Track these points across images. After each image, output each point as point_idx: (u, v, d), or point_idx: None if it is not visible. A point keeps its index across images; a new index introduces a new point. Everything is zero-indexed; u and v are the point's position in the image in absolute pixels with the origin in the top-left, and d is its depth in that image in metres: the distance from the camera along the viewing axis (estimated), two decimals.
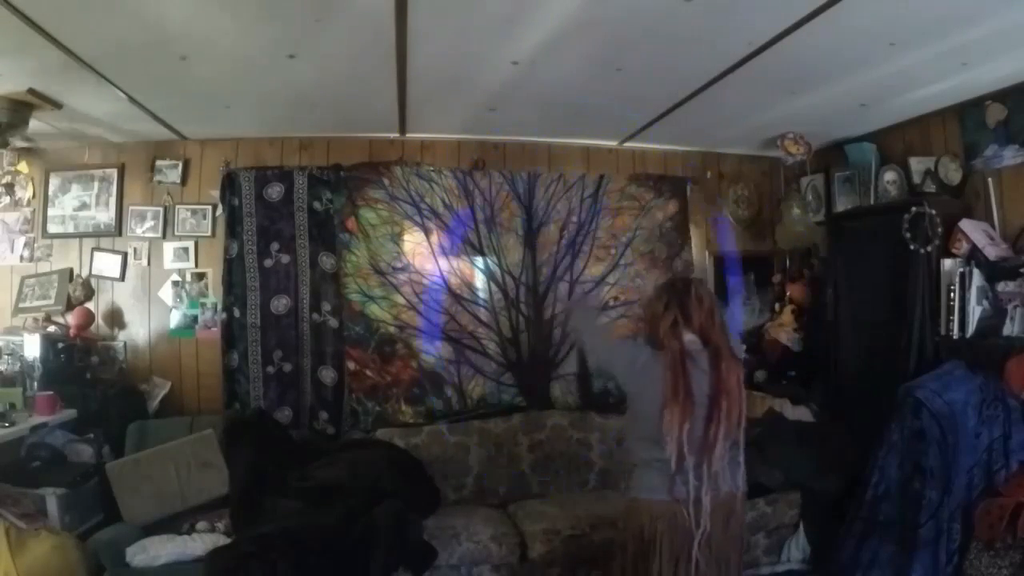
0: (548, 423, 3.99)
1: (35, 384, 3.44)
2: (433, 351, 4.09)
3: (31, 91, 3.05)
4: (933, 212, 3.38)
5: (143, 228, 4.04)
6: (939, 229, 3.37)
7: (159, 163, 4.04)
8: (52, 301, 3.87)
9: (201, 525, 3.11)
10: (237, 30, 2.57)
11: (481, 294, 4.21)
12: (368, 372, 4.02)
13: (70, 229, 4.01)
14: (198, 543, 2.95)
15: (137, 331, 4.03)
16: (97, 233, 4.02)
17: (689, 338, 2.19)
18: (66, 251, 4.01)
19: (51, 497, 3.05)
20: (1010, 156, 3.37)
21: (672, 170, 4.57)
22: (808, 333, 4.33)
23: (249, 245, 4.01)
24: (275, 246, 4.02)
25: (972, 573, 2.80)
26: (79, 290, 3.87)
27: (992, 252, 3.27)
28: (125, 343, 4.00)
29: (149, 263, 4.05)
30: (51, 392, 3.38)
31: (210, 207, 4.07)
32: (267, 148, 4.11)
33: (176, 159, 4.05)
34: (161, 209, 4.04)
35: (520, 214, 4.26)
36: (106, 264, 4.01)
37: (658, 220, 4.43)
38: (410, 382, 4.06)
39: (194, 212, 4.07)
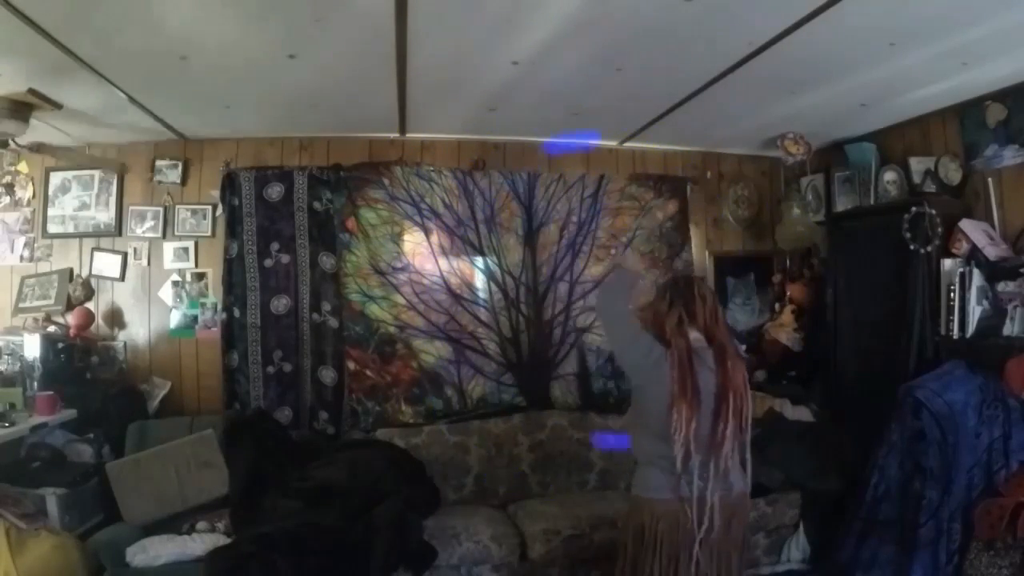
0: (548, 423, 3.99)
1: (35, 384, 3.44)
2: (433, 351, 4.10)
3: (31, 91, 3.05)
4: (933, 212, 3.38)
5: (143, 228, 4.04)
6: (939, 229, 3.37)
7: (159, 163, 4.04)
8: (52, 301, 3.87)
9: (201, 525, 3.11)
10: (237, 30, 2.57)
11: (481, 294, 4.21)
12: (368, 372, 4.02)
13: (70, 229, 4.02)
14: (198, 543, 2.95)
15: (137, 331, 4.03)
16: (97, 233, 4.03)
17: (694, 336, 2.19)
18: (66, 251, 4.01)
19: (51, 497, 3.05)
20: (1010, 156, 3.37)
21: (672, 170, 4.57)
22: (808, 333, 4.33)
23: (249, 245, 4.01)
24: (275, 246, 4.02)
25: (972, 573, 2.80)
26: (79, 290, 3.87)
27: (992, 252, 3.27)
28: (125, 343, 4.00)
29: (149, 263, 4.05)
30: (51, 392, 3.38)
31: (210, 207, 4.07)
32: (267, 148, 4.11)
33: (176, 159, 4.05)
34: (161, 209, 4.04)
35: (520, 214, 4.26)
36: (106, 264, 4.01)
37: (658, 220, 4.43)
38: (410, 382, 4.06)
39: (194, 212, 4.07)
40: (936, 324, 3.37)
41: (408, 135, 4.17)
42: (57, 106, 3.26)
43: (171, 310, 4.05)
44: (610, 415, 4.07)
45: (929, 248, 3.38)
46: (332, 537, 2.83)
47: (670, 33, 2.66)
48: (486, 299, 4.20)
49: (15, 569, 2.60)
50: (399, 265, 4.10)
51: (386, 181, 4.11)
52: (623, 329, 2.26)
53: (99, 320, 3.96)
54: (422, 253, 4.13)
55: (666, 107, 3.65)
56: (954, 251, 3.36)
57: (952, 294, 3.30)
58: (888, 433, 3.19)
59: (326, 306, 4.03)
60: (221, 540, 2.96)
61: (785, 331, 4.37)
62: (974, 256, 3.30)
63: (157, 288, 4.05)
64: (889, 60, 2.91)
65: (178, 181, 4.05)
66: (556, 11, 2.44)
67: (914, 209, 3.45)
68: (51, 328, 3.79)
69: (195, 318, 4.05)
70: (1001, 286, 3.20)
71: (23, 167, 3.95)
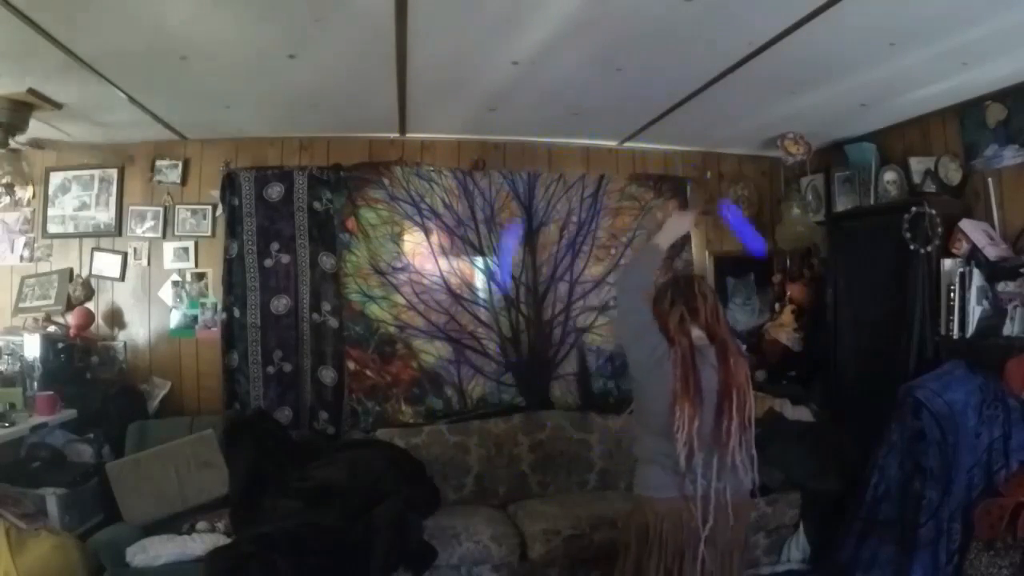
0: (548, 423, 3.99)
1: (35, 384, 3.44)
2: (433, 351, 4.10)
3: (31, 91, 3.05)
4: (933, 212, 3.38)
5: (143, 228, 4.04)
6: (939, 229, 3.37)
7: (159, 163, 4.04)
8: (52, 301, 3.87)
9: (201, 525, 3.11)
10: (237, 30, 2.57)
11: (481, 294, 4.21)
12: (368, 372, 4.02)
13: (70, 229, 4.02)
14: (198, 543, 2.95)
15: (137, 331, 4.03)
16: (97, 233, 4.03)
17: (696, 334, 2.18)
18: (66, 251, 4.01)
19: (51, 497, 3.05)
20: (1010, 156, 3.37)
21: (672, 170, 4.57)
22: (808, 333, 4.33)
23: (249, 245, 4.01)
24: (275, 246, 4.02)
25: (972, 573, 2.80)
26: (79, 290, 3.87)
27: (992, 252, 3.27)
28: (125, 343, 4.00)
29: (149, 263, 4.05)
30: (51, 392, 3.38)
31: (210, 207, 4.07)
32: (267, 148, 4.11)
33: (176, 159, 4.05)
34: (161, 209, 4.04)
35: (520, 214, 4.26)
36: (106, 264, 4.01)
37: (658, 220, 4.43)
38: (410, 382, 4.06)
39: (194, 212, 4.08)
40: (936, 324, 3.37)
41: (408, 135, 4.17)
42: (57, 106, 3.26)
43: (171, 310, 4.05)
44: (610, 415, 4.07)
45: (929, 248, 3.38)
46: (332, 537, 2.83)
47: (670, 33, 2.66)
48: (486, 299, 4.20)
49: (15, 569, 2.61)
50: (399, 265, 4.10)
51: (386, 181, 4.11)
52: (635, 321, 2.22)
53: (99, 320, 3.96)
54: (422, 253, 4.14)
55: (666, 107, 3.65)
56: (954, 251, 3.36)
57: (952, 294, 3.30)
58: (888, 433, 3.19)
59: (326, 306, 4.03)
60: (221, 540, 2.96)
61: (785, 331, 4.38)
62: (974, 256, 3.29)
63: (157, 288, 4.05)
64: (889, 60, 2.91)
65: (178, 181, 4.05)
66: (556, 11, 2.44)
67: (914, 209, 3.45)
68: (51, 328, 3.79)
69: (195, 318, 4.06)
70: (1001, 286, 3.20)
71: (23, 167, 3.95)
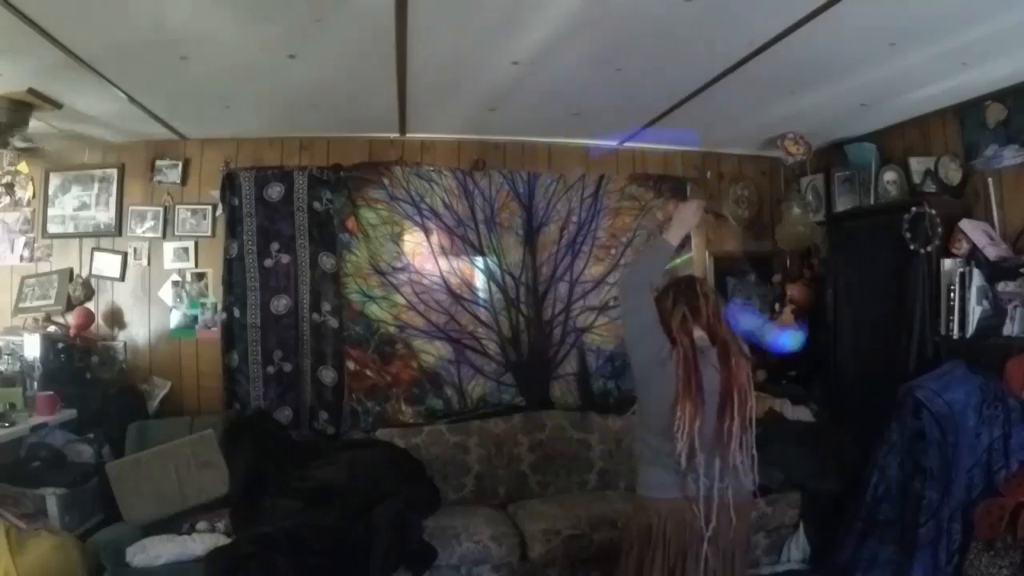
0: (548, 423, 3.99)
1: (35, 384, 3.44)
2: (433, 351, 4.10)
3: (31, 91, 3.05)
4: (933, 212, 3.38)
5: (143, 228, 4.04)
6: (939, 229, 3.37)
7: (159, 163, 4.04)
8: (52, 301, 3.87)
9: (201, 525, 3.11)
10: (237, 30, 2.57)
11: (481, 294, 4.21)
12: (368, 372, 4.02)
13: (70, 229, 4.02)
14: (198, 543, 2.94)
15: (137, 331, 4.03)
16: (97, 233, 4.03)
17: (698, 335, 2.19)
18: (66, 251, 4.01)
19: (51, 497, 3.05)
20: (1010, 156, 3.37)
21: (672, 170, 4.57)
22: (808, 333, 4.33)
23: (249, 245, 4.01)
24: (275, 246, 4.02)
25: (972, 573, 2.80)
26: (79, 290, 3.87)
27: (992, 252, 3.27)
28: (125, 343, 4.00)
29: (149, 263, 4.05)
30: (51, 392, 3.38)
31: (210, 207, 4.07)
32: (267, 148, 4.11)
33: (176, 159, 4.05)
34: (161, 209, 4.04)
35: (520, 214, 4.26)
36: (106, 264, 4.01)
37: (658, 220, 4.43)
38: (410, 382, 4.06)
39: (194, 212, 4.07)
40: (936, 324, 3.37)
41: (408, 135, 4.17)
42: (57, 106, 3.26)
43: (171, 310, 4.05)
44: (610, 415, 4.07)
45: (929, 248, 3.38)
46: (332, 537, 2.83)
47: (670, 33, 2.66)
48: (486, 299, 4.20)
49: (15, 569, 2.60)
50: (399, 265, 4.10)
51: (386, 181, 4.11)
52: (640, 321, 2.20)
53: (99, 320, 3.96)
54: (422, 253, 4.14)
55: (666, 107, 3.65)
56: (954, 251, 3.36)
57: (952, 294, 3.30)
58: (888, 433, 3.19)
59: (326, 306, 4.03)
60: (221, 540, 2.96)
61: None
62: (974, 256, 3.30)
63: (157, 288, 4.05)
64: (889, 60, 2.91)
65: (178, 181, 4.05)
66: (556, 11, 2.44)
67: (914, 209, 3.45)
68: (51, 328, 3.79)
69: (195, 318, 4.05)
70: (1001, 286, 3.20)
71: (23, 167, 3.95)
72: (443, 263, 4.16)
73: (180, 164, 4.05)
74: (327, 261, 4.05)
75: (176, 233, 4.06)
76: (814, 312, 4.28)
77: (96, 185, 4.02)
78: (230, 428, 3.54)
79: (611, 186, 4.38)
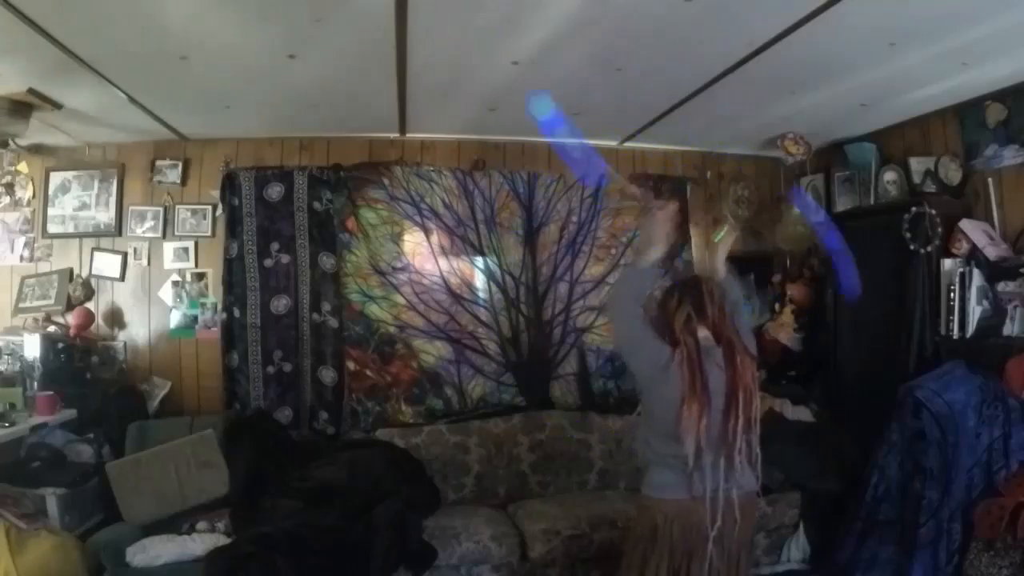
0: (548, 423, 3.99)
1: (35, 384, 3.44)
2: (433, 351, 4.10)
3: (31, 91, 3.05)
4: (933, 212, 3.38)
5: (143, 228, 4.04)
6: (939, 229, 3.37)
7: (159, 163, 4.04)
8: (52, 301, 3.87)
9: (201, 525, 3.11)
10: (237, 30, 2.57)
11: (481, 294, 4.21)
12: (368, 372, 4.02)
13: (70, 229, 4.02)
14: (198, 543, 2.94)
15: (137, 331, 4.03)
16: (97, 233, 4.03)
17: (703, 334, 2.18)
18: (66, 251, 4.01)
19: (51, 497, 3.05)
20: (1010, 156, 3.37)
21: (672, 170, 4.57)
22: (808, 333, 4.33)
23: (249, 245, 4.01)
24: (275, 246, 4.02)
25: (972, 573, 2.80)
26: (79, 290, 3.87)
27: (992, 252, 3.27)
28: (125, 343, 4.00)
29: (149, 263, 4.05)
30: (51, 392, 3.38)
31: (210, 207, 4.07)
32: (267, 148, 4.11)
33: (176, 159, 4.05)
34: (161, 209, 4.04)
35: (520, 214, 4.26)
36: (106, 264, 4.01)
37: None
38: (410, 382, 4.06)
39: (194, 212, 4.07)
40: (936, 324, 3.37)
41: (408, 135, 4.17)
42: (57, 106, 3.26)
43: (171, 310, 4.05)
44: (610, 415, 4.07)
45: (929, 248, 3.38)
46: (332, 537, 2.83)
47: (670, 33, 2.66)
48: (486, 299, 4.20)
49: (15, 569, 2.60)
50: (399, 265, 4.10)
51: (386, 181, 4.11)
52: (628, 337, 2.23)
53: (99, 320, 3.96)
54: (422, 253, 4.14)
55: (666, 107, 3.65)
56: (954, 251, 3.36)
57: (952, 294, 3.30)
58: (888, 433, 3.19)
59: (326, 306, 4.03)
60: (221, 540, 2.96)
61: (785, 331, 4.37)
62: (974, 256, 3.30)
63: (157, 288, 4.05)
64: (889, 60, 2.91)
65: (178, 181, 4.05)
66: (556, 11, 2.44)
67: (914, 209, 3.45)
68: (51, 328, 3.79)
69: (195, 318, 4.06)
70: (1001, 286, 3.20)
71: (23, 167, 3.95)
72: (443, 263, 4.16)
73: (180, 164, 4.05)
74: (327, 261, 4.05)
75: (176, 233, 4.06)
76: (814, 312, 4.28)
77: (96, 185, 4.02)
78: (230, 428, 3.54)
79: (611, 186, 4.38)
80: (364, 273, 4.06)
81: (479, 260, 4.22)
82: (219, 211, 4.05)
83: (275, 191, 4.03)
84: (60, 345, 3.62)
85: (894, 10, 2.45)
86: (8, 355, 3.58)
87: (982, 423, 2.97)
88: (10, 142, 3.38)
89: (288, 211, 4.04)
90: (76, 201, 4.02)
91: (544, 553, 3.16)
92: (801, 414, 3.93)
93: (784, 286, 4.54)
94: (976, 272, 3.24)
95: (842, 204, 4.28)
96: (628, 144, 4.46)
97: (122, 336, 4.01)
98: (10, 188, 3.98)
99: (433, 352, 4.10)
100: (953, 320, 3.30)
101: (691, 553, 2.10)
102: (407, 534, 2.96)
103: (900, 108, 3.64)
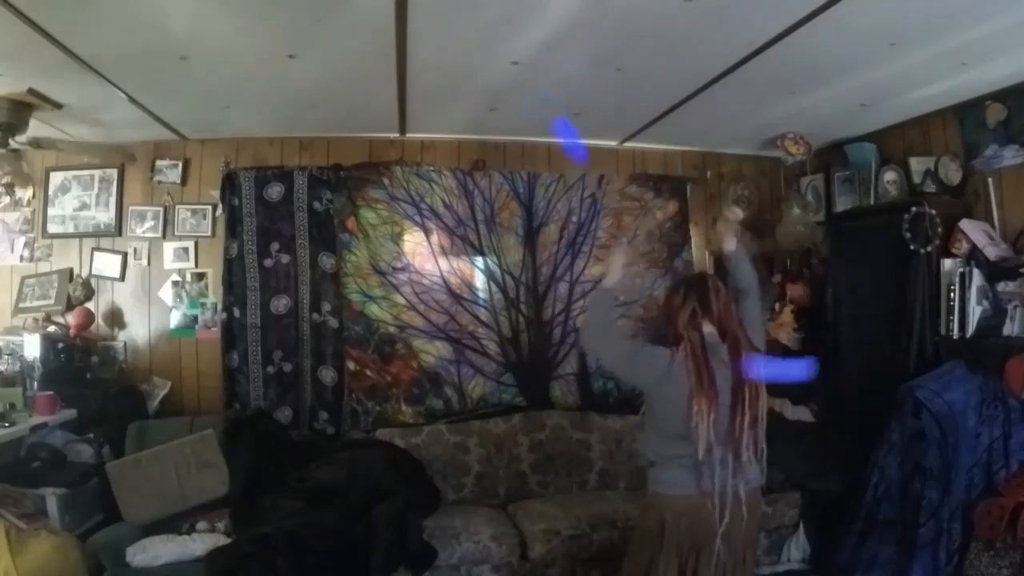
0: (548, 423, 3.99)
1: (35, 384, 3.44)
2: (433, 351, 4.10)
3: (31, 91, 3.05)
4: (933, 212, 3.38)
5: (143, 228, 4.04)
6: (939, 229, 3.37)
7: (159, 163, 4.04)
8: (52, 301, 3.87)
9: (201, 525, 3.12)
10: (237, 30, 2.57)
11: (481, 294, 4.21)
12: (368, 372, 4.02)
13: (70, 229, 4.02)
14: (198, 543, 2.95)
15: (137, 331, 4.03)
16: (97, 233, 4.03)
17: (708, 330, 2.18)
18: (66, 251, 4.01)
19: (51, 497, 3.05)
20: (1010, 156, 3.37)
21: (672, 170, 4.57)
22: (808, 333, 4.33)
23: (249, 245, 4.01)
24: (275, 246, 4.03)
25: (972, 573, 2.80)
26: (79, 290, 3.87)
27: (992, 252, 3.27)
28: (125, 343, 4.00)
29: (149, 263, 4.05)
30: (51, 392, 3.38)
31: (210, 207, 4.07)
32: (267, 148, 4.11)
33: (176, 159, 4.05)
34: (161, 209, 4.04)
35: (520, 214, 4.26)
36: (106, 264, 4.01)
37: (658, 220, 4.43)
38: (410, 382, 4.06)
39: (194, 212, 4.08)
40: (936, 324, 3.37)
41: (408, 135, 4.17)
42: (57, 106, 3.26)
43: (171, 310, 4.05)
44: (610, 415, 4.07)
45: (929, 248, 3.38)
46: (332, 537, 2.83)
47: (670, 33, 2.66)
48: (486, 299, 4.20)
49: (15, 569, 2.60)
50: (399, 265, 4.10)
51: (386, 181, 4.11)
52: (618, 360, 2.32)
53: (99, 320, 3.96)
54: (422, 253, 4.14)
55: (666, 107, 3.65)
56: (954, 251, 3.36)
57: (952, 294, 3.30)
58: (888, 433, 3.19)
59: (326, 306, 4.03)
60: (221, 540, 2.96)
61: (785, 331, 4.37)
62: (974, 256, 3.30)
63: (157, 288, 4.05)
64: (889, 60, 2.91)
65: (178, 181, 4.05)
66: (556, 11, 2.44)
67: (914, 209, 3.45)
68: (51, 328, 3.79)
69: (195, 318, 4.06)
70: (1001, 286, 3.20)
71: (23, 167, 3.95)
72: (443, 263, 4.16)
73: (180, 164, 4.05)
74: (327, 261, 4.05)
75: (176, 233, 4.06)
76: (814, 312, 4.28)
77: (96, 185, 4.02)
78: (230, 428, 3.54)
79: (611, 186, 4.38)
80: (364, 273, 4.06)
81: (479, 260, 4.22)
82: (219, 211, 4.05)
83: (275, 191, 4.03)
84: (60, 345, 3.62)
85: (894, 10, 2.45)
86: (8, 355, 3.58)
87: (982, 423, 2.97)
88: (10, 142, 3.38)
89: (288, 211, 4.04)
90: (76, 201, 4.02)
91: (544, 553, 3.16)
92: (801, 414, 3.93)
93: (784, 286, 4.54)
94: (976, 272, 3.24)
95: (842, 204, 4.28)
96: (628, 144, 4.46)
97: (122, 336, 4.01)
98: (10, 188, 3.98)
99: (433, 352, 4.10)
100: (953, 320, 3.30)
101: (699, 550, 2.10)
102: (407, 534, 2.96)
103: (900, 108, 3.64)
